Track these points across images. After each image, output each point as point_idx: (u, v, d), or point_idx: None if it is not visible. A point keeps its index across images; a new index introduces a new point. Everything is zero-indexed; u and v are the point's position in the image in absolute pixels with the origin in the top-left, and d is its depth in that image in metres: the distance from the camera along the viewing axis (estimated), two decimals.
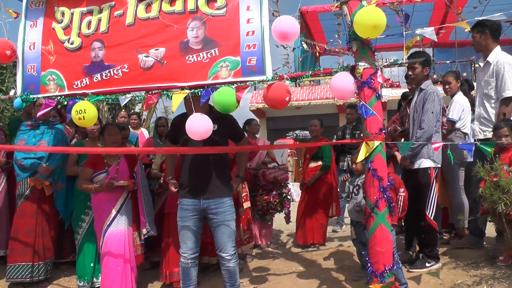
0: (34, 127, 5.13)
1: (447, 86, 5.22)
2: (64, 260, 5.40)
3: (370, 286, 3.45)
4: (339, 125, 16.49)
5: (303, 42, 10.40)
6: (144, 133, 7.86)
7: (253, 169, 6.16)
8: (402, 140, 5.17)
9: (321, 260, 5.45)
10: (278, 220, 6.79)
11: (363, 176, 4.45)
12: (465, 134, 5.19)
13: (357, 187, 4.53)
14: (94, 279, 4.66)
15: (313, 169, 6.42)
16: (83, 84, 4.22)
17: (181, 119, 3.91)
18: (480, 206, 4.19)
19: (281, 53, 5.11)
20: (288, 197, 6.33)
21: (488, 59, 4.61)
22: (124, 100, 4.08)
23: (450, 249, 5.01)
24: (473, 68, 15.45)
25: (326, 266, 5.19)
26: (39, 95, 4.36)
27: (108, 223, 4.44)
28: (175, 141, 4.14)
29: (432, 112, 4.36)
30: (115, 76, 4.12)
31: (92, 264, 4.69)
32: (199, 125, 3.61)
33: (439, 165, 4.48)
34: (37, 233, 4.91)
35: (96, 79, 4.17)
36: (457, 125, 5.02)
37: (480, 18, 4.58)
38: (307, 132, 15.61)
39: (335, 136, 7.82)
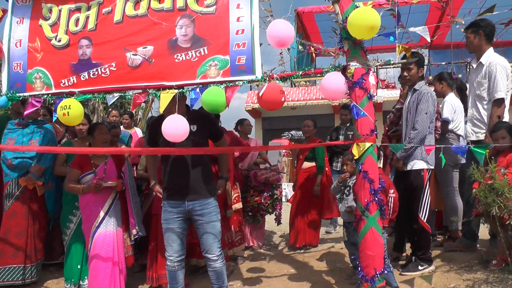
0: (22, 126, 5.04)
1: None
2: (53, 262, 5.33)
3: None
4: (334, 125, 16.42)
5: (298, 43, 10.35)
6: (137, 132, 7.78)
7: (245, 170, 6.10)
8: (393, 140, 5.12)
9: (313, 262, 5.39)
10: (271, 221, 6.73)
11: (355, 177, 4.40)
12: (459, 136, 5.14)
13: (348, 188, 4.47)
14: (81, 281, 4.57)
15: (306, 170, 6.36)
16: (71, 82, 4.12)
17: (159, 121, 3.78)
18: (474, 208, 4.13)
19: (276, 54, 5.04)
20: (280, 198, 6.27)
21: (481, 60, 4.59)
22: (111, 99, 4.01)
23: (443, 252, 4.96)
24: (468, 69, 15.41)
25: (317, 268, 5.13)
26: (26, 94, 4.26)
27: (96, 224, 4.35)
28: (154, 144, 4.00)
29: (426, 113, 4.30)
30: (103, 75, 4.03)
31: (79, 266, 4.60)
32: (176, 127, 3.52)
33: (432, 167, 4.42)
34: (29, 234, 4.84)
35: (83, 78, 4.08)
36: (450, 126, 4.96)
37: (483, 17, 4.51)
38: None
39: (329, 136, 7.76)
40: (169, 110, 3.68)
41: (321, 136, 6.65)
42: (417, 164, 4.34)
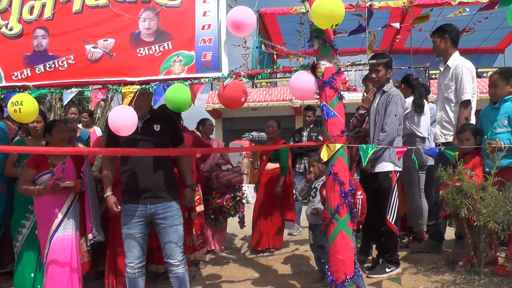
0: None
1: None
2: (2, 271, 4.96)
3: None
4: (295, 127, 16.45)
5: (262, 43, 10.25)
6: (97, 131, 7.45)
7: (206, 171, 5.92)
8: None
9: (277, 266, 5.28)
10: (232, 223, 6.57)
11: (321, 178, 4.32)
12: (423, 138, 5.15)
13: (314, 190, 4.39)
14: None
15: (270, 172, 6.25)
16: (24, 75, 3.81)
17: None
18: (442, 210, 4.12)
19: (239, 54, 4.88)
20: (243, 200, 6.12)
21: (447, 63, 4.66)
22: (69, 94, 3.74)
23: (410, 253, 4.96)
24: (427, 74, 15.77)
25: (282, 272, 5.02)
26: None
27: (54, 228, 4.06)
28: (114, 145, 3.74)
29: (395, 115, 4.28)
30: (60, 68, 3.75)
31: (32, 275, 4.27)
32: (124, 119, 3.33)
33: (400, 169, 4.40)
34: None
35: (38, 71, 3.78)
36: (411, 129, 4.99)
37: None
38: (263, 133, 15.54)
39: (292, 138, 7.70)
40: (139, 106, 3.51)
41: (282, 137, 6.56)
42: (385, 166, 4.31)
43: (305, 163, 7.32)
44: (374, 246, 4.88)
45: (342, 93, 3.53)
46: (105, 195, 3.76)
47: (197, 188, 5.26)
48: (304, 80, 3.46)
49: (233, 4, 4.03)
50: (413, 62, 15.47)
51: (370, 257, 4.88)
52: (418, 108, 5.05)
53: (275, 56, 18.20)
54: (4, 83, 3.82)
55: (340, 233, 3.32)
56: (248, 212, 6.32)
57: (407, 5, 14.64)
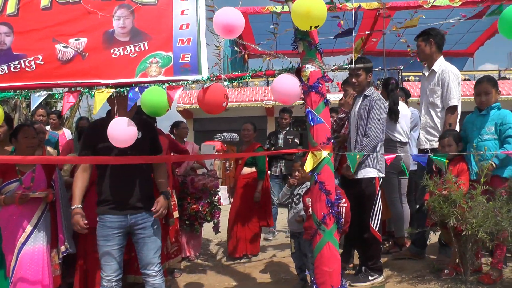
0: None
1: None
2: None
3: None
4: (267, 128, 16.39)
5: (236, 42, 10.07)
6: (66, 134, 7.14)
7: (181, 176, 5.72)
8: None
9: (255, 273, 5.13)
10: (207, 228, 6.36)
11: (304, 184, 4.19)
12: (402, 142, 5.08)
13: (297, 196, 4.26)
14: None
15: (246, 176, 6.11)
16: None
17: (102, 124, 3.36)
18: (428, 218, 4.05)
19: (211, 52, 4.71)
20: (219, 205, 5.94)
21: (433, 67, 4.61)
22: (38, 98, 3.46)
23: (392, 259, 4.89)
24: (400, 76, 15.90)
25: (261, 280, 4.88)
26: None
27: (22, 241, 3.78)
28: (92, 151, 3.47)
29: (379, 120, 4.19)
30: (27, 69, 3.46)
31: None
32: (124, 130, 3.13)
33: (383, 175, 4.31)
34: None
35: (2, 71, 3.48)
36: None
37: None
38: (235, 134, 15.48)
39: (267, 141, 7.57)
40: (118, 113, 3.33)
41: (256, 139, 6.39)
42: (368, 172, 4.21)
43: (281, 166, 7.22)
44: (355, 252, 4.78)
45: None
46: (73, 207, 3.39)
47: (172, 194, 5.06)
48: (288, 82, 3.31)
49: (209, 3, 3.87)
50: (386, 64, 15.57)
51: (350, 264, 4.78)
52: (393, 115, 4.95)
53: (246, 56, 18.09)
54: None
55: (327, 244, 3.20)
56: (223, 215, 6.14)
57: (380, 7, 14.69)
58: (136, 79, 3.38)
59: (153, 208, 3.41)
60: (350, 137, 4.51)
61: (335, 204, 3.22)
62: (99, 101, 3.27)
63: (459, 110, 4.45)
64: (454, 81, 4.44)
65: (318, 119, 3.27)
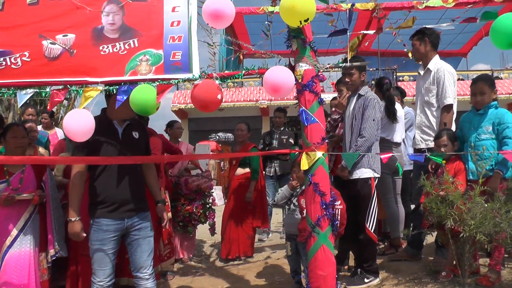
0: None
1: None
2: None
3: None
4: (262, 128, 16.32)
5: (231, 42, 10.01)
6: (58, 133, 6.99)
7: (175, 177, 5.62)
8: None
9: (249, 275, 5.04)
10: (200, 229, 6.27)
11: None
12: (396, 143, 5.01)
13: (296, 198, 4.17)
14: None
15: (240, 177, 6.02)
16: None
17: (97, 122, 3.16)
18: (424, 220, 3.98)
19: (205, 51, 4.61)
20: (213, 207, 5.85)
21: (428, 66, 4.58)
22: (24, 96, 3.34)
23: (387, 261, 4.81)
24: (394, 76, 15.85)
25: (255, 283, 4.80)
26: None
27: (8, 244, 3.65)
28: (91, 152, 3.29)
29: (373, 120, 4.12)
30: (13, 66, 3.34)
31: None
32: (80, 122, 3.02)
33: (379, 175, 4.25)
34: None
35: None
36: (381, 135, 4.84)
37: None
38: (230, 134, 15.41)
39: (262, 141, 7.50)
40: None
41: (251, 139, 6.32)
42: (364, 173, 4.14)
43: (275, 166, 7.15)
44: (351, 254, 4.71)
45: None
46: (72, 219, 3.22)
47: (165, 195, 4.96)
48: (281, 74, 3.18)
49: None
50: (381, 64, 15.54)
51: (346, 266, 4.71)
52: (392, 116, 4.89)
53: (241, 56, 18.02)
54: None
55: (321, 247, 3.12)
56: (217, 216, 6.04)
57: (374, 7, 14.65)
58: (126, 78, 3.29)
59: (163, 225, 3.56)
60: (345, 137, 4.44)
61: (329, 205, 3.14)
62: (86, 98, 3.18)
63: (454, 109, 4.40)
64: (449, 80, 4.40)
65: (312, 118, 3.19)
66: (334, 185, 4.49)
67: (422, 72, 4.67)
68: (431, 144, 4.36)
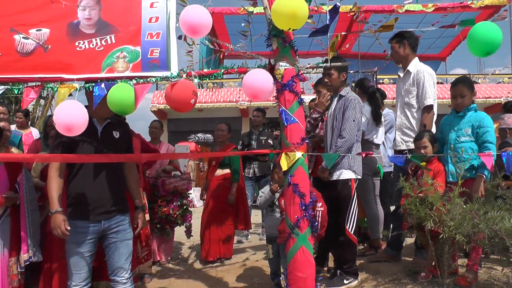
0: None
1: None
2: None
3: None
4: (241, 129, 16.28)
5: (211, 41, 9.92)
6: (33, 133, 6.83)
7: (153, 178, 5.52)
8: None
9: (228, 277, 4.96)
10: (178, 231, 6.17)
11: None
12: (377, 145, 5.04)
13: (277, 199, 4.11)
14: None
15: (219, 177, 5.96)
16: None
17: None
18: (404, 221, 3.98)
19: (184, 50, 4.55)
20: (190, 208, 5.77)
21: (408, 68, 4.60)
22: None
23: (367, 262, 4.80)
24: (375, 79, 15.98)
25: (233, 285, 4.73)
26: None
27: None
28: (69, 150, 3.20)
29: (354, 120, 4.10)
30: None
31: None
32: (74, 116, 2.90)
33: (360, 177, 4.23)
34: None
35: None
36: (366, 136, 4.89)
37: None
38: (210, 135, 15.31)
39: (241, 142, 7.45)
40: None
41: (231, 140, 6.26)
42: (344, 174, 4.12)
43: (254, 167, 7.11)
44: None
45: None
46: (52, 211, 3.08)
47: (143, 196, 4.86)
48: (260, 78, 3.16)
49: None
50: (361, 67, 15.66)
51: (325, 268, 4.68)
52: (378, 119, 4.92)
53: (221, 56, 17.94)
54: None
55: (300, 249, 3.07)
56: (195, 217, 5.96)
57: (356, 10, 14.77)
58: (102, 75, 3.21)
59: (135, 232, 3.38)
60: (326, 137, 4.42)
61: (309, 207, 3.10)
62: (62, 95, 3.08)
63: (435, 110, 4.42)
64: (429, 81, 4.41)
65: (292, 118, 3.14)
66: (315, 187, 4.48)
67: (401, 75, 4.70)
68: (412, 145, 4.36)
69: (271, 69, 3.28)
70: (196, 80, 3.28)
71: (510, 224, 3.09)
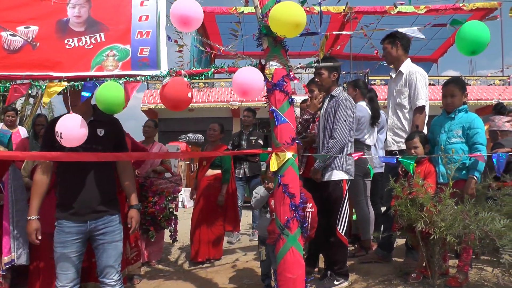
0: None
1: None
2: None
3: None
4: (232, 129, 16.23)
5: (201, 41, 9.91)
6: (21, 132, 6.78)
7: (142, 178, 5.46)
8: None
9: (217, 278, 4.94)
10: (168, 232, 6.12)
11: None
12: (369, 146, 5.04)
13: None
14: None
15: (210, 177, 5.93)
16: None
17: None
18: (395, 222, 3.97)
19: (175, 49, 4.52)
20: (175, 212, 5.71)
21: (400, 69, 4.61)
22: None
23: (358, 263, 4.80)
24: (366, 80, 16.03)
25: (223, 286, 4.70)
26: None
27: None
28: (56, 150, 3.17)
29: (345, 121, 4.08)
30: None
31: None
32: (72, 128, 2.89)
33: (352, 177, 4.21)
34: None
35: None
36: (356, 136, 4.85)
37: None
38: (200, 135, 15.25)
39: (231, 142, 7.42)
40: (73, 104, 3.07)
41: (222, 140, 6.21)
42: (336, 175, 4.10)
43: (244, 168, 7.09)
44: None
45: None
46: (27, 218, 3.13)
47: None
48: (250, 76, 3.12)
49: None
50: (353, 68, 15.70)
51: (316, 269, 4.66)
52: (375, 121, 4.95)
53: (212, 56, 17.91)
54: None
55: (290, 249, 3.04)
56: (186, 218, 5.91)
57: (348, 11, 14.83)
58: (92, 73, 3.17)
59: (130, 232, 3.34)
60: (319, 138, 4.41)
61: (299, 207, 3.08)
62: (49, 94, 3.04)
63: (427, 111, 4.43)
64: (421, 82, 4.43)
65: (282, 118, 3.12)
66: (306, 187, 4.46)
67: (394, 75, 4.71)
68: (403, 146, 4.38)
69: (261, 68, 3.25)
70: (186, 79, 3.26)
71: (500, 225, 3.10)
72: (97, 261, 3.27)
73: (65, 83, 3.11)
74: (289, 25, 2.97)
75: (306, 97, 5.13)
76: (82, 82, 3.10)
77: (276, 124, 3.15)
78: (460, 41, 3.15)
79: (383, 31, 4.78)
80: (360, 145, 4.92)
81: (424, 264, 3.94)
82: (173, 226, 5.70)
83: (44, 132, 3.46)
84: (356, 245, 5.38)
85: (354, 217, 5.28)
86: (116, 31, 3.22)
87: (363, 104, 5.16)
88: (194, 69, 3.38)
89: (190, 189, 13.13)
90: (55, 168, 3.28)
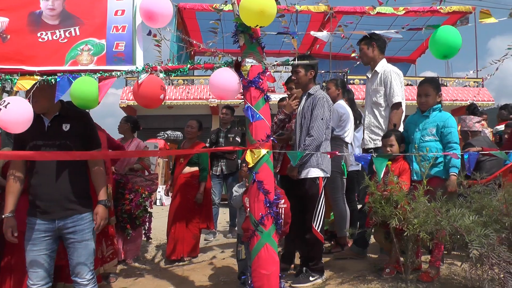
0: None
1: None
2: None
3: None
4: (211, 127, 16.20)
5: (181, 38, 9.83)
6: None
7: (119, 175, 5.41)
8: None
9: (194, 276, 4.94)
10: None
11: None
12: (347, 143, 5.08)
13: None
14: None
15: (187, 175, 5.88)
16: None
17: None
18: (369, 219, 4.02)
19: (153, 45, 4.46)
20: (150, 210, 5.68)
21: (376, 69, 4.71)
22: None
23: (333, 259, 4.84)
24: (346, 79, 16.13)
25: (199, 283, 4.69)
26: None
27: None
28: (22, 146, 3.14)
29: (322, 119, 4.10)
30: None
31: None
32: (17, 113, 2.81)
33: (328, 175, 4.24)
34: None
35: None
36: (336, 133, 4.91)
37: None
38: (179, 132, 15.16)
39: (209, 139, 7.40)
40: (36, 100, 2.99)
41: (199, 137, 6.18)
42: (312, 172, 4.12)
43: (222, 165, 7.06)
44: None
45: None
46: (4, 216, 3.09)
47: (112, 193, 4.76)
48: (226, 78, 3.15)
49: None
50: (332, 67, 15.78)
51: (292, 265, 4.68)
52: (359, 121, 5.02)
53: (192, 53, 17.82)
54: None
55: (264, 246, 3.06)
56: (164, 215, 5.87)
57: (328, 11, 14.89)
58: (66, 67, 3.12)
59: (95, 228, 3.22)
60: (295, 136, 4.43)
61: (273, 204, 3.09)
62: (21, 88, 2.99)
63: (403, 107, 4.52)
64: (396, 80, 4.53)
65: (258, 115, 3.13)
66: (281, 185, 4.48)
67: (370, 75, 4.80)
68: (379, 144, 4.44)
69: (237, 65, 3.25)
70: (161, 75, 3.24)
71: (469, 221, 3.17)
72: (69, 260, 3.22)
73: (38, 77, 3.07)
74: (254, 12, 2.98)
75: (285, 95, 5.15)
76: (56, 76, 3.05)
77: (251, 120, 3.16)
78: (433, 45, 3.26)
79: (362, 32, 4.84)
80: (339, 141, 4.96)
81: (397, 260, 4.00)
82: (147, 223, 5.65)
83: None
84: (332, 242, 5.42)
85: (332, 216, 5.32)
86: (91, 25, 3.18)
87: (343, 102, 5.20)
88: (172, 65, 3.36)
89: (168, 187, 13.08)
90: (28, 166, 3.22)
